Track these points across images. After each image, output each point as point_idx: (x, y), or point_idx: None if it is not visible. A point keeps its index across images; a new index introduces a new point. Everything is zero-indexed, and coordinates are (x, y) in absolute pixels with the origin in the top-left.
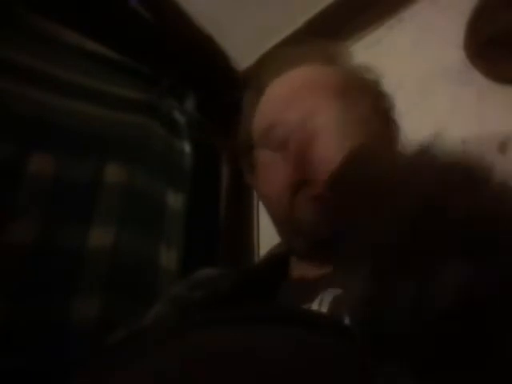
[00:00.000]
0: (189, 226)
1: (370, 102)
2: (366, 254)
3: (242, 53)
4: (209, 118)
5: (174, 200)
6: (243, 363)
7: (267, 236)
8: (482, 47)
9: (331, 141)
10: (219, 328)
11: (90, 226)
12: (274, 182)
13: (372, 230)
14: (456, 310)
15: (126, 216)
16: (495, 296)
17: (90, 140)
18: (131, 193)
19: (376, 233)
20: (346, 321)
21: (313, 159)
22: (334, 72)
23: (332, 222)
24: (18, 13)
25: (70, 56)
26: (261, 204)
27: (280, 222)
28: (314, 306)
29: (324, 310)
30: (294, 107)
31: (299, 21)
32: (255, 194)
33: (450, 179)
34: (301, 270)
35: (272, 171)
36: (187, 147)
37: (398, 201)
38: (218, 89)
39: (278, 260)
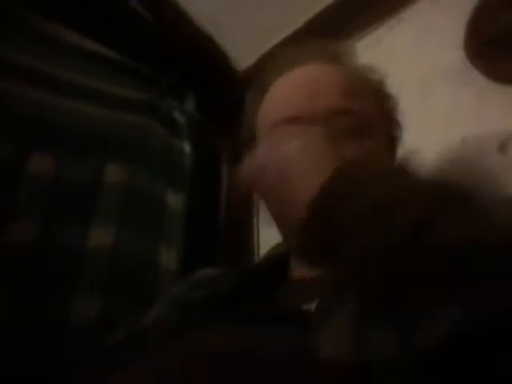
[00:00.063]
0: (189, 225)
1: (373, 102)
2: (352, 288)
3: (242, 53)
4: (209, 118)
5: (174, 200)
6: (243, 363)
7: (267, 236)
8: (482, 47)
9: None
10: (219, 328)
11: (90, 225)
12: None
13: (357, 260)
14: (443, 351)
15: (126, 216)
16: (485, 339)
17: (90, 140)
18: (131, 193)
19: (361, 265)
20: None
21: None
22: (337, 71)
23: (317, 240)
24: (18, 13)
25: (69, 56)
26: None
27: (278, 219)
28: (314, 307)
29: None
30: (298, 106)
31: (299, 21)
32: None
33: (438, 202)
34: (301, 270)
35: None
36: (187, 147)
37: (383, 226)
38: (217, 89)
39: (278, 260)
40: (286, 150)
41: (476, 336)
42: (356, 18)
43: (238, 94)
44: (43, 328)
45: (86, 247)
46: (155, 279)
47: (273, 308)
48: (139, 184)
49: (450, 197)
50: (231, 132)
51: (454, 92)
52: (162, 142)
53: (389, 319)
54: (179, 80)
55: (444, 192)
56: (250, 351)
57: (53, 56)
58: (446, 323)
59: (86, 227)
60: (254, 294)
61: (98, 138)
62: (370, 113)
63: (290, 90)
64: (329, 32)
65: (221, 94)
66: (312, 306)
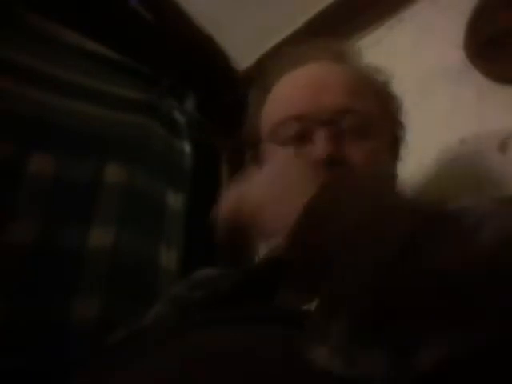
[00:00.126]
0: (189, 226)
1: (377, 102)
2: (341, 310)
3: (242, 53)
4: (209, 118)
5: (174, 200)
6: (243, 363)
7: None
8: (481, 47)
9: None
10: (219, 328)
11: (90, 226)
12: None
13: (346, 279)
14: (436, 376)
15: (126, 216)
16: (475, 366)
17: (90, 140)
18: (131, 193)
19: (350, 284)
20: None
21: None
22: (342, 70)
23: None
24: (18, 13)
25: (69, 56)
26: None
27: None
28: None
29: None
30: (302, 104)
31: (299, 21)
32: None
33: (425, 221)
34: None
35: (282, 165)
36: (187, 147)
37: (370, 245)
38: (217, 89)
39: (278, 260)
40: (264, 178)
41: (464, 362)
42: (356, 18)
43: (238, 94)
44: (43, 328)
45: (86, 247)
46: (155, 279)
47: (273, 308)
48: (139, 184)
49: (437, 216)
50: (231, 132)
51: (454, 92)
52: (162, 142)
53: (378, 339)
54: (179, 80)
55: (431, 211)
56: (250, 351)
57: (53, 56)
58: (435, 348)
59: (86, 227)
60: (253, 294)
61: (98, 137)
62: (373, 112)
63: (294, 89)
64: (329, 32)
65: (221, 94)
66: (312, 306)
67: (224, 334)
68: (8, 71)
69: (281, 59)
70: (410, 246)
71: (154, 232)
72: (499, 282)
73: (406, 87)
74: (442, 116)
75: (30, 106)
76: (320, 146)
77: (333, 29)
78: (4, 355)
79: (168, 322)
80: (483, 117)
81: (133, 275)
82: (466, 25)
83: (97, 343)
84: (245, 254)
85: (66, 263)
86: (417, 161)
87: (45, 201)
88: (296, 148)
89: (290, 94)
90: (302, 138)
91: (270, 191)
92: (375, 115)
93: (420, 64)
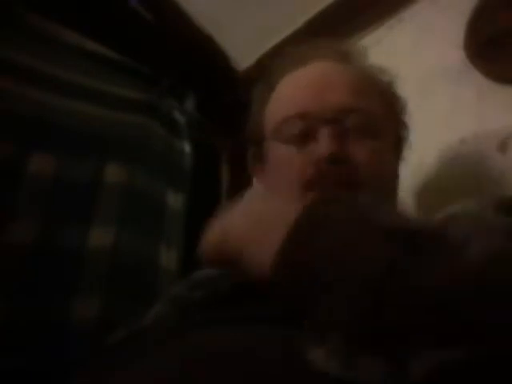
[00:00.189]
0: (189, 226)
1: (382, 102)
2: (333, 327)
3: (242, 53)
4: (209, 118)
5: (174, 200)
6: (243, 363)
7: None
8: (482, 47)
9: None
10: (219, 328)
11: (90, 226)
12: (287, 175)
13: (336, 301)
14: None
15: (126, 216)
16: (464, 377)
17: (90, 140)
18: (131, 193)
19: (340, 305)
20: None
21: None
22: (346, 70)
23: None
24: (18, 13)
25: (70, 56)
26: None
27: None
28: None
29: None
30: (307, 102)
31: (299, 21)
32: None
33: (413, 242)
34: None
35: (286, 163)
36: (187, 147)
37: (360, 264)
38: (218, 89)
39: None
40: (247, 210)
41: (454, 372)
42: (356, 18)
43: (238, 94)
44: (43, 328)
45: (86, 247)
46: (155, 279)
47: (273, 308)
48: (139, 184)
49: (424, 234)
50: (231, 132)
51: (454, 92)
52: (162, 142)
53: (373, 350)
54: (179, 80)
55: (417, 229)
56: (250, 351)
57: (53, 56)
58: (425, 360)
59: (86, 227)
60: (254, 294)
61: (98, 138)
62: (378, 112)
63: (298, 87)
64: (329, 32)
65: (221, 94)
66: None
67: (224, 333)
68: (8, 71)
69: (285, 58)
70: (397, 263)
71: (154, 232)
72: (486, 298)
73: (406, 87)
74: (442, 116)
75: (30, 106)
76: (323, 144)
77: (333, 29)
78: (4, 355)
79: (168, 322)
80: (483, 117)
81: (133, 275)
82: (466, 25)
83: (97, 343)
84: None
85: (66, 263)
86: (417, 160)
87: (45, 201)
88: (299, 146)
89: (294, 92)
90: (305, 137)
91: (251, 224)
92: (379, 115)
93: (420, 64)
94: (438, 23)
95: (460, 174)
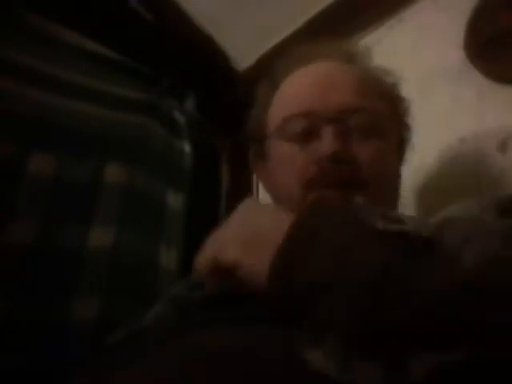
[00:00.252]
0: (189, 226)
1: (386, 103)
2: (332, 328)
3: (242, 53)
4: (209, 118)
5: (174, 200)
6: (243, 363)
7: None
8: (482, 47)
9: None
10: (219, 328)
11: (90, 226)
12: (290, 173)
13: (335, 302)
14: None
15: (126, 216)
16: (464, 377)
17: (90, 140)
18: (131, 193)
19: (339, 306)
20: None
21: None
22: (351, 70)
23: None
24: (18, 13)
25: (70, 56)
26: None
27: None
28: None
29: None
30: (311, 101)
31: (299, 21)
32: (255, 191)
33: (410, 245)
34: None
35: (288, 161)
36: (187, 147)
37: (357, 268)
38: (218, 89)
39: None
40: (238, 229)
41: (454, 372)
42: (356, 18)
43: (238, 94)
44: (43, 328)
45: (86, 247)
46: (155, 279)
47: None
48: (139, 184)
49: (422, 238)
50: (231, 132)
51: (453, 92)
52: (162, 142)
53: (371, 353)
54: (179, 80)
55: (414, 233)
56: (250, 351)
57: (53, 56)
58: (426, 360)
59: (86, 227)
60: (254, 294)
61: (98, 138)
62: (381, 113)
63: (302, 86)
64: (329, 32)
65: (221, 94)
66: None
67: (224, 333)
68: (8, 71)
69: (289, 57)
70: (393, 266)
71: (154, 232)
72: (485, 300)
73: (406, 87)
74: (442, 116)
75: (30, 106)
76: (327, 142)
77: (333, 29)
78: (4, 355)
79: (168, 322)
80: (483, 117)
81: (133, 275)
82: (466, 25)
83: (97, 343)
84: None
85: (66, 263)
86: (417, 160)
87: (45, 201)
88: (302, 144)
89: (298, 91)
90: (308, 135)
91: (246, 239)
92: (383, 116)
93: (420, 64)
94: (438, 23)
95: (460, 173)
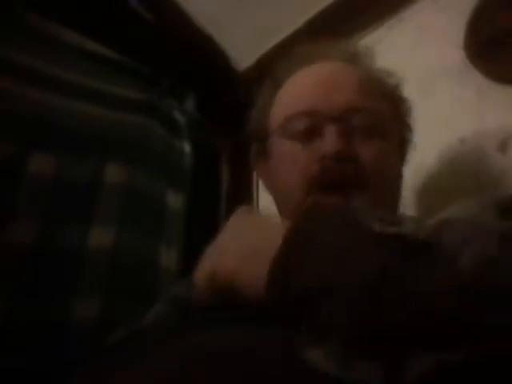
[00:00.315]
0: (189, 226)
1: (388, 104)
2: (332, 330)
3: (242, 53)
4: (209, 118)
5: (174, 200)
6: (243, 363)
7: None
8: (482, 47)
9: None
10: (219, 328)
11: (90, 226)
12: (292, 171)
13: (332, 307)
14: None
15: (125, 216)
16: (462, 376)
17: (90, 140)
18: (131, 193)
19: (337, 311)
20: None
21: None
22: (354, 71)
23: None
24: (18, 13)
25: (69, 56)
26: (260, 204)
27: (286, 213)
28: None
29: None
30: (315, 100)
31: (299, 21)
32: (255, 191)
33: (408, 248)
34: None
35: (291, 160)
36: (187, 147)
37: (354, 272)
38: (218, 89)
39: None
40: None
41: (452, 372)
42: (356, 18)
43: (238, 94)
44: (43, 328)
45: (86, 247)
46: (155, 279)
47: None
48: (139, 184)
49: (419, 241)
50: (231, 132)
51: (453, 92)
52: (162, 142)
53: (370, 354)
54: (179, 80)
55: (412, 235)
56: (250, 351)
57: (53, 56)
58: (425, 360)
59: (86, 227)
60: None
61: (98, 138)
62: (384, 113)
63: (305, 85)
64: (329, 32)
65: (221, 94)
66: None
67: (224, 333)
68: (8, 71)
69: (293, 56)
70: (391, 269)
71: (154, 232)
72: (483, 301)
73: (406, 87)
74: (442, 116)
75: (30, 106)
76: (329, 141)
77: (333, 29)
78: (4, 355)
79: (168, 322)
80: (483, 117)
81: (133, 275)
82: (466, 25)
83: (97, 343)
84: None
85: (66, 263)
86: (417, 160)
87: (45, 201)
88: (305, 143)
89: (301, 90)
90: (311, 133)
91: (240, 254)
92: (386, 116)
93: (420, 64)
94: (438, 23)
95: (460, 173)
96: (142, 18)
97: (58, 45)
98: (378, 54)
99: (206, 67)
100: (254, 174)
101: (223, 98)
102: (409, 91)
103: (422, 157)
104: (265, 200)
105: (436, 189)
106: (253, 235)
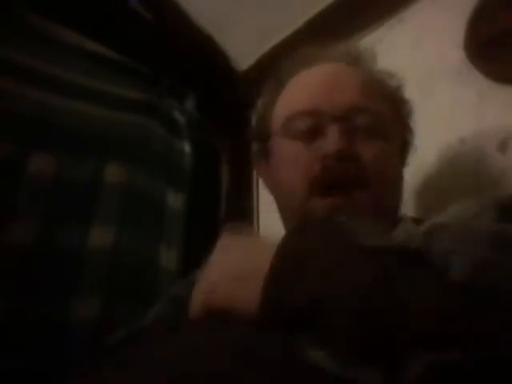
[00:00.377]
0: (189, 226)
1: (390, 106)
2: (329, 336)
3: (242, 53)
4: (209, 118)
5: (174, 200)
6: (243, 363)
7: (267, 236)
8: (482, 47)
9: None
10: (219, 328)
11: (90, 226)
12: (294, 171)
13: (330, 309)
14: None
15: (125, 216)
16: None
17: (90, 140)
18: (131, 193)
19: (335, 314)
20: None
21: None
22: (356, 72)
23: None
24: (18, 13)
25: (70, 56)
26: (260, 204)
27: (287, 213)
28: None
29: None
30: (317, 100)
31: (299, 21)
32: (255, 191)
33: (397, 259)
34: None
35: (293, 159)
36: (187, 147)
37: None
38: (218, 89)
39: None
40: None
41: (448, 374)
42: (356, 18)
43: (238, 94)
44: (43, 328)
45: (86, 247)
46: (155, 279)
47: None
48: (139, 184)
49: (410, 251)
50: (231, 132)
51: (454, 92)
52: (162, 142)
53: (370, 358)
54: (179, 80)
55: (403, 247)
56: (250, 351)
57: (53, 56)
58: (422, 360)
59: (86, 227)
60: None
61: (98, 138)
62: (385, 114)
63: (308, 86)
64: (329, 32)
65: (221, 94)
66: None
67: (224, 333)
68: (8, 71)
69: (296, 57)
70: (382, 282)
71: (154, 232)
72: (472, 312)
73: (406, 87)
74: (442, 116)
75: (30, 106)
76: (332, 140)
77: (333, 29)
78: (4, 355)
79: (168, 322)
80: (483, 117)
81: (133, 275)
82: (466, 25)
83: (97, 343)
84: None
85: (66, 263)
86: (417, 160)
87: (45, 201)
88: (307, 142)
89: (304, 90)
90: (313, 133)
91: (232, 279)
92: (387, 117)
93: (420, 64)
94: (438, 23)
95: (460, 173)
96: (142, 18)
97: (58, 45)
98: (378, 54)
99: (206, 67)
100: (254, 174)
101: (223, 98)
102: (409, 91)
103: (422, 157)
104: (265, 200)
105: (436, 189)
106: (241, 256)
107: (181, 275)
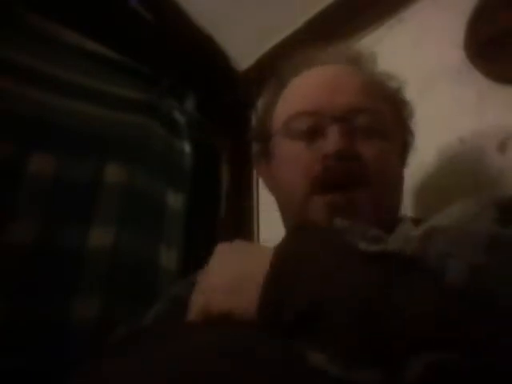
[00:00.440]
0: (189, 226)
1: (390, 107)
2: (330, 336)
3: (242, 53)
4: (209, 118)
5: (174, 200)
6: (243, 363)
7: (267, 236)
8: (482, 47)
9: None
10: (219, 328)
11: (90, 226)
12: (295, 171)
13: (330, 311)
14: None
15: (125, 216)
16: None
17: (90, 140)
18: (131, 193)
19: (335, 316)
20: None
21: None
22: (357, 73)
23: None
24: (18, 13)
25: (70, 56)
26: (260, 204)
27: (288, 212)
28: None
29: None
30: (319, 101)
31: (299, 21)
32: (255, 191)
33: (393, 265)
34: None
35: (293, 159)
36: (187, 147)
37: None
38: (218, 89)
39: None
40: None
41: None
42: (356, 18)
43: (238, 94)
44: (43, 328)
45: (86, 247)
46: (155, 279)
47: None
48: (139, 184)
49: (406, 258)
50: (231, 132)
51: (453, 92)
52: (162, 142)
53: (370, 360)
54: (179, 80)
55: (394, 255)
56: (250, 351)
57: (53, 56)
58: (422, 361)
59: (86, 227)
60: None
61: (98, 138)
62: (386, 115)
63: (309, 86)
64: (329, 32)
65: (221, 94)
66: None
67: (224, 333)
68: (8, 71)
69: (297, 58)
70: (379, 288)
71: (154, 232)
72: (469, 317)
73: (406, 87)
74: (441, 116)
75: (30, 106)
76: (332, 140)
77: (333, 29)
78: (4, 355)
79: (168, 322)
80: (483, 117)
81: (133, 275)
82: (466, 25)
83: (97, 343)
84: None
85: (66, 263)
86: (417, 160)
87: (45, 201)
88: (308, 142)
89: (305, 91)
90: (314, 133)
91: (230, 287)
92: (388, 118)
93: (420, 64)
94: (438, 23)
95: (459, 173)
96: (142, 18)
97: (58, 45)
98: (378, 54)
99: (205, 67)
100: (254, 174)
101: (223, 98)
102: (409, 91)
103: (422, 156)
104: (265, 200)
105: (435, 188)
106: (238, 264)
107: (181, 275)
